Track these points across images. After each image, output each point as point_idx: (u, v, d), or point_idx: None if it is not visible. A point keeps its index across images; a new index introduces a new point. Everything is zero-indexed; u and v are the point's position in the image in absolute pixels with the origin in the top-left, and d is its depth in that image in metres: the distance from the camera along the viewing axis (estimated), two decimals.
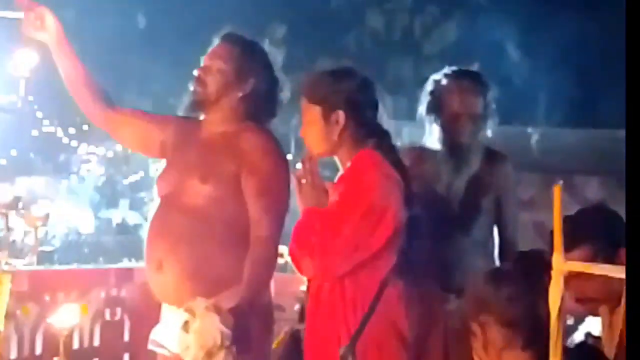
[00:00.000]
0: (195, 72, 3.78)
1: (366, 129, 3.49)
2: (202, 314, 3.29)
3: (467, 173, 4.13)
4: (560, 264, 1.81)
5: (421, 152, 4.24)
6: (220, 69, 3.74)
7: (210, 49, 3.81)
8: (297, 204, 3.54)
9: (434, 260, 4.01)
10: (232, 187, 3.67)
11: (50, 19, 3.88)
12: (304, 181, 3.46)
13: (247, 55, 3.77)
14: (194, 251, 3.65)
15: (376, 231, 3.30)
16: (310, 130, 3.50)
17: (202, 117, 3.83)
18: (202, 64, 3.79)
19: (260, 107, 3.80)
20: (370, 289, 3.34)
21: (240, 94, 3.75)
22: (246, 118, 3.77)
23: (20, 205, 3.26)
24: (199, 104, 3.78)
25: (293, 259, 3.43)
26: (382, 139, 3.52)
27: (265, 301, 3.73)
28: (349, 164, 3.46)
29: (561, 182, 1.84)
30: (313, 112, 3.47)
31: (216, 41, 3.81)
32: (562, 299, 1.83)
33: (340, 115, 3.43)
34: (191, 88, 3.78)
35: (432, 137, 4.18)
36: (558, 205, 1.81)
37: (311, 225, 3.38)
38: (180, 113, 3.87)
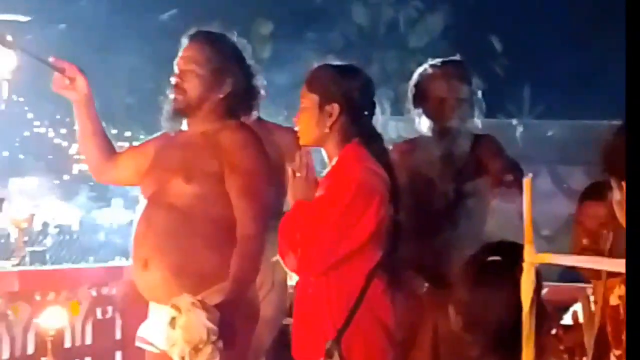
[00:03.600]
0: (173, 80, 3.79)
1: (358, 127, 3.53)
2: (188, 310, 3.33)
3: (460, 159, 4.16)
4: (532, 256, 1.84)
5: (413, 145, 4.29)
6: (197, 74, 3.75)
7: (181, 52, 3.81)
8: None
9: (424, 254, 4.04)
10: (216, 185, 3.69)
11: (81, 80, 3.94)
12: (297, 174, 3.50)
13: (221, 54, 3.78)
14: (179, 249, 3.67)
15: (358, 225, 3.33)
16: (304, 118, 3.56)
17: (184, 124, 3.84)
18: (176, 70, 3.80)
19: (240, 103, 3.83)
20: (355, 283, 3.37)
21: (221, 95, 3.78)
22: (226, 116, 3.80)
23: (4, 206, 3.28)
24: (181, 111, 3.79)
25: (280, 253, 3.46)
26: (371, 137, 3.57)
27: (251, 297, 3.77)
28: (335, 159, 3.50)
29: (531, 175, 1.88)
30: (310, 100, 3.54)
31: (185, 41, 3.82)
32: (534, 291, 1.86)
33: (335, 107, 3.49)
34: (171, 96, 3.79)
35: (422, 128, 4.23)
36: (528, 198, 1.85)
37: (296, 218, 3.41)
38: (163, 121, 3.87)
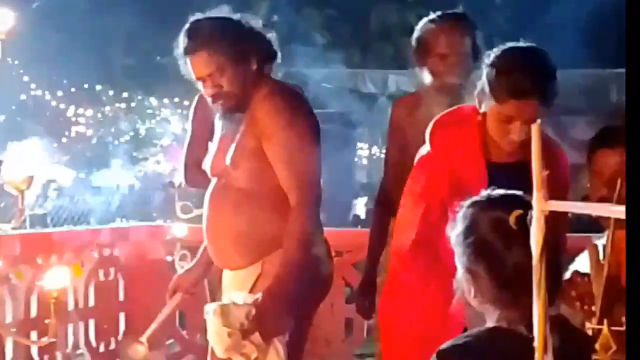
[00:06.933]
0: (209, 92, 3.75)
1: None
2: (211, 319, 3.57)
3: None
4: (542, 204, 1.80)
5: (417, 97, 4.25)
6: (223, 72, 3.70)
7: (193, 67, 3.74)
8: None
9: None
10: (262, 160, 3.71)
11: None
12: None
13: (227, 39, 3.71)
14: (241, 222, 3.76)
15: None
16: None
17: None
18: (201, 83, 3.76)
19: (266, 63, 3.80)
20: None
21: (254, 67, 3.75)
22: (259, 82, 3.77)
23: (2, 169, 3.24)
24: (233, 108, 3.77)
25: None
26: None
27: (312, 267, 3.77)
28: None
29: (539, 120, 1.83)
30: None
31: (187, 58, 3.74)
32: (544, 240, 1.82)
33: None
34: (216, 104, 3.78)
35: (425, 84, 4.17)
36: (537, 144, 1.80)
37: None
38: (224, 121, 3.88)
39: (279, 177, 3.70)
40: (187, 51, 3.73)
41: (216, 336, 3.53)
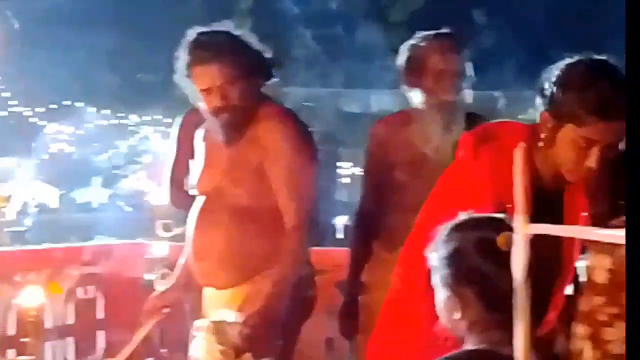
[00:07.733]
0: (214, 104, 3.66)
1: None
2: (203, 336, 3.47)
3: (456, 133, 4.11)
4: (524, 227, 1.80)
5: (405, 116, 4.25)
6: (234, 82, 3.64)
7: (201, 70, 3.66)
8: None
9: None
10: (261, 179, 3.67)
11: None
12: None
13: (234, 50, 3.66)
14: (232, 240, 3.71)
15: None
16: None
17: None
18: (206, 95, 3.67)
19: (265, 79, 3.76)
20: None
21: (264, 80, 3.73)
22: (262, 96, 3.74)
23: None
24: (238, 124, 3.69)
25: None
26: None
27: (297, 291, 3.73)
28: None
29: (523, 144, 1.83)
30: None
31: (191, 50, 3.67)
32: (528, 263, 1.82)
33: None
34: (217, 118, 3.69)
35: (415, 102, 4.17)
36: (520, 167, 1.80)
37: None
38: (221, 136, 3.76)
39: (278, 198, 3.67)
40: (196, 62, 3.65)
41: (207, 354, 3.46)
